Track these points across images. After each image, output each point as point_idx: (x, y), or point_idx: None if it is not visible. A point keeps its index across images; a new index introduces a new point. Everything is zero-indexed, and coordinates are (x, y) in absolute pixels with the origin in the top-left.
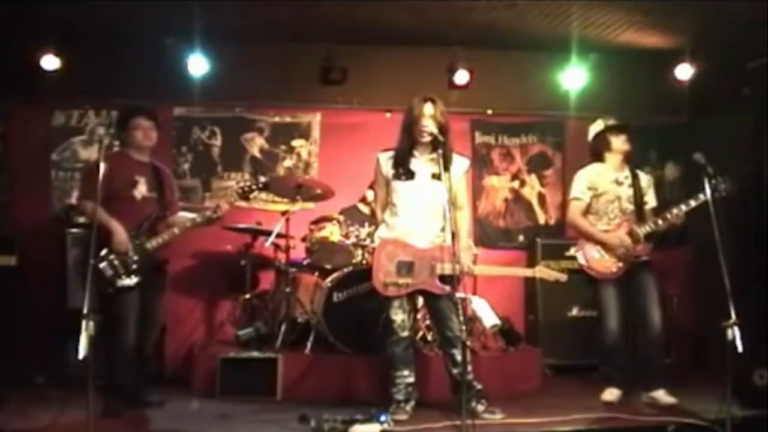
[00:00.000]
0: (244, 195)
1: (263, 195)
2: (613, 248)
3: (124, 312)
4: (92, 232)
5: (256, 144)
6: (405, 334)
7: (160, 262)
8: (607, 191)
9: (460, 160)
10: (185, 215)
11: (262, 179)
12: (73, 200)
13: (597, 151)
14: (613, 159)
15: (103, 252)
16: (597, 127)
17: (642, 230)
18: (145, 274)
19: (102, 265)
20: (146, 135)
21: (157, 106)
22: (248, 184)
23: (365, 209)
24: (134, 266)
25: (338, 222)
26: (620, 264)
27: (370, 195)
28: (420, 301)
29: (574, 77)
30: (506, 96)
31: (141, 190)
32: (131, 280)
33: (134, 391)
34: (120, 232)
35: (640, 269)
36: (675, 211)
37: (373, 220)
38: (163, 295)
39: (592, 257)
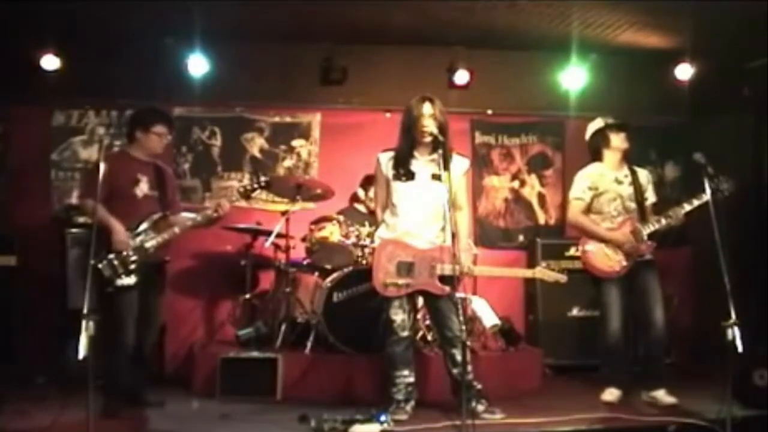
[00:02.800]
0: (245, 194)
1: (263, 195)
2: (619, 244)
3: (124, 312)
4: (92, 231)
5: (256, 144)
6: (405, 334)
7: (160, 261)
8: (607, 190)
9: (460, 160)
10: (186, 215)
11: (263, 178)
12: (74, 200)
13: (595, 148)
14: (611, 157)
15: (103, 252)
16: (596, 124)
17: (645, 229)
18: (144, 273)
19: (101, 264)
20: (161, 143)
21: (157, 106)
22: (249, 183)
23: (362, 209)
24: (133, 266)
25: (338, 222)
26: (624, 263)
27: (361, 193)
28: (420, 301)
29: (574, 77)
30: (506, 96)
31: (143, 188)
32: (130, 280)
33: (134, 391)
34: (120, 231)
35: (643, 268)
36: (678, 210)
37: (373, 219)
38: (162, 294)
39: (594, 254)
